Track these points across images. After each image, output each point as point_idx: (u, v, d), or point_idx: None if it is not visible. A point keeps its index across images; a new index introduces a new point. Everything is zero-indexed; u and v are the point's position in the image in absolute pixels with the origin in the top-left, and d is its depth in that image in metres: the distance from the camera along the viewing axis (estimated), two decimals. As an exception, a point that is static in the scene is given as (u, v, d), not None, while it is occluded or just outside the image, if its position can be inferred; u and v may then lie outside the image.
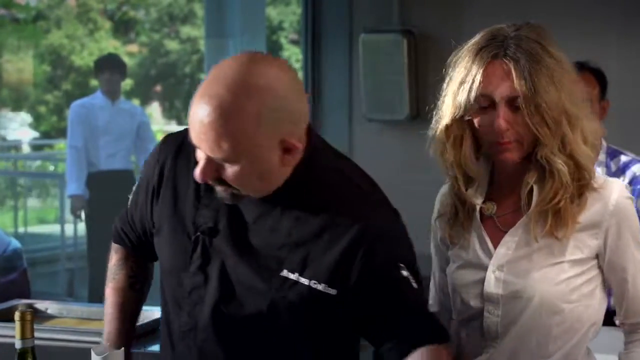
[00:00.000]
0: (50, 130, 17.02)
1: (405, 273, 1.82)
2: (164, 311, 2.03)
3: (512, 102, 1.91)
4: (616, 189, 1.97)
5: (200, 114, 1.75)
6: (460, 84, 1.96)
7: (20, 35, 17.22)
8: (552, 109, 1.89)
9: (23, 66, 17.56)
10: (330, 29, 5.54)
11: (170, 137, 2.04)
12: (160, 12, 18.95)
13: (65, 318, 2.94)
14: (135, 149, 6.53)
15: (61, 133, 14.37)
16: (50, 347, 2.48)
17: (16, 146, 17.38)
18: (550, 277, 1.94)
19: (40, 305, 2.98)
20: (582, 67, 3.27)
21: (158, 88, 19.62)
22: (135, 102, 14.85)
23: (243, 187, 1.82)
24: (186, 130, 1.87)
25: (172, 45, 18.64)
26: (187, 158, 1.93)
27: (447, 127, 1.99)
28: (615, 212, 1.95)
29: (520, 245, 1.98)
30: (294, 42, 19.32)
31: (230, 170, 1.78)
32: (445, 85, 2.03)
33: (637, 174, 3.21)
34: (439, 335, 1.85)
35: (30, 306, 2.94)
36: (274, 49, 18.13)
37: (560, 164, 1.92)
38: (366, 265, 1.81)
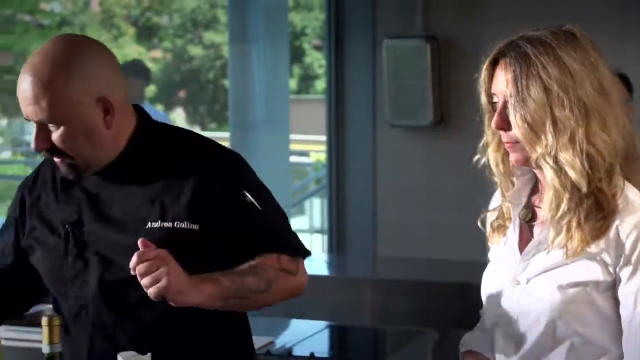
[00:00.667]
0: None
1: (248, 199, 2.08)
2: (54, 309, 2.22)
3: (507, 102, 1.91)
4: (638, 210, 1.88)
5: (21, 83, 2.01)
6: (481, 84, 1.98)
7: (44, 41, 17.31)
8: (535, 111, 1.86)
9: (48, 72, 17.64)
10: (354, 35, 5.54)
11: (25, 179, 2.28)
12: (183, 18, 19.01)
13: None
14: (159, 154, 6.56)
15: (86, 139, 14.37)
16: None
17: (41, 152, 17.46)
18: (563, 297, 1.89)
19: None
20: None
21: (182, 94, 19.68)
22: (159, 107, 14.89)
23: (74, 152, 2.04)
24: (38, 167, 2.25)
25: (195, 50, 18.69)
26: (43, 179, 2.21)
27: (486, 128, 2.00)
28: (632, 232, 1.86)
29: (540, 259, 1.93)
30: (317, 48, 19.32)
31: (58, 133, 2.01)
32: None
33: None
34: (280, 245, 2.11)
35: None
36: (297, 54, 18.15)
37: (549, 169, 1.88)
38: (215, 198, 2.06)
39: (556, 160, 1.87)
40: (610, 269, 1.88)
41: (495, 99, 1.93)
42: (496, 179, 2.03)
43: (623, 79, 3.36)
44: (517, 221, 2.00)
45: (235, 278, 2.00)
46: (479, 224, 2.08)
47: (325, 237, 6.31)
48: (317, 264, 5.63)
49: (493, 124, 1.92)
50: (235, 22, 6.23)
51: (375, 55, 5.38)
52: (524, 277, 1.94)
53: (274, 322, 3.64)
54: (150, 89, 14.21)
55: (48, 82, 1.99)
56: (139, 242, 1.92)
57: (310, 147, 12.21)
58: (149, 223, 2.07)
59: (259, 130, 6.08)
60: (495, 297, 2.00)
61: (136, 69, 6.72)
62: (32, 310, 2.95)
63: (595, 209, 1.88)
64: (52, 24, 18.07)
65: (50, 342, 1.82)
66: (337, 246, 5.68)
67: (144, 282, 1.88)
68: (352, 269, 5.35)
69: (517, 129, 1.88)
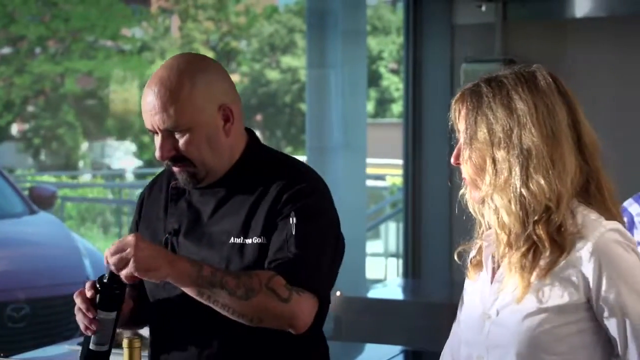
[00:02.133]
0: (153, 158, 17.33)
1: (291, 221, 2.11)
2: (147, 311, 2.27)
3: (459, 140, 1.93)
4: (598, 229, 1.84)
5: (147, 96, 2.11)
6: None
7: (126, 66, 17.66)
8: (479, 151, 1.86)
9: (128, 96, 18.00)
10: (432, 58, 5.54)
11: (148, 183, 2.38)
12: (261, 43, 19.21)
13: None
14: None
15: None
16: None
17: (120, 174, 17.77)
18: (531, 326, 1.84)
19: (145, 331, 3.02)
20: None
21: (259, 117, 19.85)
22: (237, 131, 15.04)
23: (197, 158, 2.12)
24: (159, 173, 2.35)
25: (273, 75, 18.87)
26: (159, 188, 2.30)
27: None
28: (595, 252, 1.82)
29: (508, 292, 1.89)
30: (393, 71, 19.35)
31: (183, 139, 2.10)
32: None
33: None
34: (291, 275, 2.06)
35: (136, 333, 2.98)
36: (374, 78, 18.20)
37: (488, 210, 1.88)
38: (278, 216, 2.12)
39: (493, 201, 1.87)
40: (578, 292, 1.84)
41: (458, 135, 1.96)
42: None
43: None
44: (490, 259, 1.98)
45: (217, 272, 2.03)
46: (455, 256, 2.06)
47: (401, 262, 6.29)
48: (391, 288, 5.62)
49: (452, 159, 1.94)
50: (313, 47, 6.27)
51: (453, 78, 5.37)
52: (494, 310, 1.92)
53: (349, 346, 3.64)
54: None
55: (175, 89, 2.09)
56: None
57: (386, 171, 12.21)
58: (232, 239, 2.14)
59: (335, 154, 6.10)
60: (468, 332, 1.98)
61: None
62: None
63: (535, 252, 1.85)
64: (133, 49, 18.42)
65: (130, 363, 1.84)
66: (412, 270, 5.66)
67: (112, 262, 1.95)
68: (427, 294, 5.32)
69: (464, 167, 1.91)
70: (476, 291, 1.99)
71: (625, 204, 3.36)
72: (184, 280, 2.00)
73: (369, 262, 7.36)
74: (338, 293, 4.47)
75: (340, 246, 2.23)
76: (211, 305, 2.03)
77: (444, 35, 5.45)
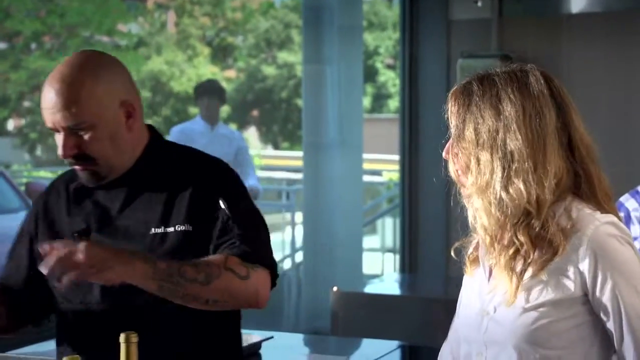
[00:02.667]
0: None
1: (220, 206, 2.18)
2: (60, 318, 2.29)
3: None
4: (593, 223, 1.85)
5: (48, 93, 2.11)
6: None
7: (122, 62, 17.62)
8: (466, 150, 1.88)
9: (124, 92, 17.94)
10: (428, 54, 5.54)
11: (40, 193, 2.39)
12: (257, 38, 19.19)
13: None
14: (233, 173, 6.58)
15: (161, 157, 14.59)
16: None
17: (117, 170, 17.75)
18: (528, 321, 1.85)
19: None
20: None
21: (255, 113, 19.84)
22: (233, 126, 15.03)
23: (100, 155, 2.14)
24: (51, 183, 2.36)
25: (269, 70, 18.85)
26: (57, 195, 2.31)
27: None
28: (590, 245, 1.83)
29: (502, 291, 1.90)
30: (389, 67, 19.35)
31: (86, 136, 2.11)
32: None
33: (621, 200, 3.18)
34: (245, 253, 2.14)
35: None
36: (370, 73, 18.19)
37: (470, 210, 1.90)
38: (200, 203, 2.19)
39: (473, 203, 1.88)
40: (574, 286, 1.84)
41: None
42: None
43: None
44: (486, 256, 1.97)
45: (172, 264, 2.05)
46: (452, 253, 2.06)
47: (397, 257, 6.29)
48: (388, 283, 5.62)
49: (443, 152, 1.96)
50: (309, 42, 6.27)
51: (450, 74, 5.38)
52: (492, 307, 1.92)
53: (346, 342, 3.64)
54: (224, 109, 14.37)
55: (77, 86, 2.10)
56: (44, 247, 1.99)
57: (383, 167, 12.21)
58: (153, 229, 2.18)
59: (332, 150, 6.10)
60: (466, 329, 1.98)
61: (211, 89, 6.78)
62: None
63: (523, 254, 1.85)
64: (129, 44, 18.39)
65: None
66: (409, 266, 5.66)
67: (58, 268, 1.94)
68: (424, 289, 5.33)
69: (450, 164, 1.94)
70: (474, 288, 2.00)
71: (622, 199, 3.37)
72: (142, 277, 2.01)
73: (366, 257, 7.36)
74: (335, 288, 4.47)
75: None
76: (173, 299, 2.06)
77: (440, 31, 5.45)
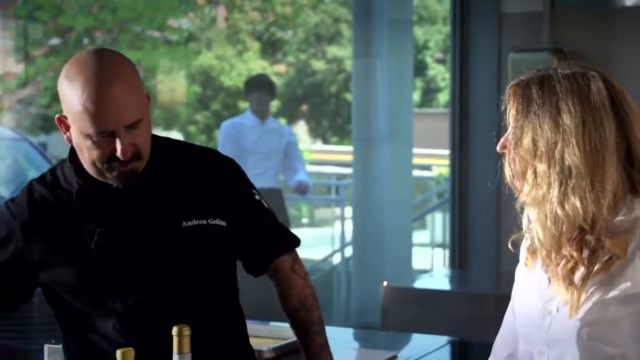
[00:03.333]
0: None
1: (257, 197, 2.30)
2: (73, 333, 2.24)
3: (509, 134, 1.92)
4: None
5: (102, 97, 2.04)
6: None
7: (172, 57, 17.74)
8: (522, 157, 1.85)
9: (175, 87, 18.08)
10: (479, 48, 5.50)
11: (14, 206, 2.23)
12: (307, 33, 19.21)
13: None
14: (283, 167, 6.61)
15: (211, 152, 14.65)
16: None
17: (167, 164, 17.88)
18: (593, 319, 1.83)
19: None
20: None
21: (304, 107, 19.86)
22: (282, 121, 15.07)
23: (145, 150, 2.14)
24: (24, 193, 2.22)
25: (318, 65, 18.86)
26: (44, 204, 2.19)
27: None
28: None
29: (561, 300, 1.87)
30: (439, 61, 19.26)
31: (140, 129, 2.11)
32: None
33: None
34: (289, 244, 2.33)
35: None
36: (420, 67, 18.12)
37: (525, 218, 1.87)
38: (234, 197, 2.25)
39: (529, 213, 1.86)
40: (636, 282, 1.81)
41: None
42: None
43: None
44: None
45: (323, 348, 2.29)
46: (509, 245, 2.03)
47: (447, 252, 6.27)
48: (438, 278, 5.60)
49: (497, 147, 1.94)
50: (359, 37, 6.27)
51: (501, 68, 5.34)
52: (554, 306, 1.89)
53: (396, 337, 3.64)
54: (273, 103, 14.41)
55: (125, 84, 2.08)
56: None
57: (432, 161, 12.16)
58: (184, 222, 2.17)
59: (381, 144, 6.09)
60: (526, 327, 1.96)
61: (262, 83, 6.80)
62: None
63: (576, 268, 1.83)
64: (179, 39, 18.52)
65: (180, 352, 1.85)
66: (459, 261, 5.64)
67: None
68: (474, 284, 5.30)
69: (506, 166, 1.90)
70: (532, 284, 1.97)
71: None
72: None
73: (416, 252, 7.34)
74: (385, 283, 4.47)
75: None
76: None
77: (491, 24, 5.41)
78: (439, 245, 8.73)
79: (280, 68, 19.74)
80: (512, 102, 1.91)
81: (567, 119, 1.82)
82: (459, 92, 5.53)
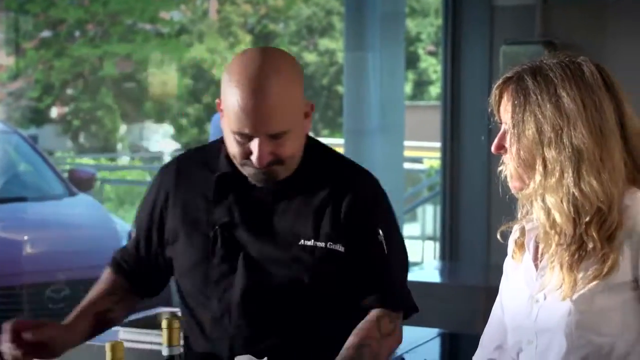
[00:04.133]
0: (191, 142, 17.43)
1: (380, 238, 2.12)
2: (185, 307, 2.22)
3: (506, 131, 1.90)
4: None
5: (247, 99, 1.98)
6: None
7: (164, 49, 17.71)
8: (527, 148, 1.85)
9: (166, 79, 18.05)
10: (470, 40, 5.50)
11: (166, 168, 2.29)
12: (299, 25, 19.19)
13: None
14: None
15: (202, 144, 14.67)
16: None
17: (159, 157, 17.86)
18: (581, 308, 1.83)
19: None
20: None
21: (296, 100, 19.80)
22: (274, 114, 15.04)
23: (292, 158, 2.06)
24: (179, 157, 2.28)
25: (310, 57, 18.84)
26: (187, 175, 2.21)
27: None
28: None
29: (554, 286, 1.87)
30: (431, 53, 19.25)
31: (286, 140, 2.02)
32: None
33: None
34: (394, 303, 2.13)
35: (174, 313, 3.00)
36: (412, 60, 18.12)
37: (538, 208, 1.86)
38: (357, 226, 2.10)
39: (544, 201, 1.84)
40: (625, 269, 1.82)
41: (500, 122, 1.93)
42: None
43: None
44: (533, 243, 1.96)
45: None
46: (498, 235, 2.04)
47: (438, 245, 6.28)
48: (429, 271, 5.60)
49: (492, 148, 1.92)
50: (351, 29, 6.26)
51: (492, 61, 5.34)
52: (542, 294, 1.90)
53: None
54: (266, 96, 14.37)
55: (281, 94, 2.01)
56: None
57: (424, 154, 12.18)
58: (302, 240, 2.10)
59: (373, 137, 6.09)
60: (515, 317, 1.96)
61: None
62: (151, 313, 3.02)
63: (585, 253, 1.83)
64: (171, 32, 18.48)
65: (170, 344, 1.85)
66: (449, 253, 5.64)
67: None
68: (465, 277, 5.31)
69: (511, 161, 1.89)
70: (520, 274, 1.98)
71: None
72: None
73: (407, 244, 7.34)
74: (375, 276, 4.46)
75: None
76: None
77: (483, 17, 5.41)
78: (430, 238, 8.75)
79: (272, 61, 19.61)
80: (506, 99, 1.91)
81: (568, 103, 1.83)
82: (450, 85, 5.53)
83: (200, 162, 2.23)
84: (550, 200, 1.84)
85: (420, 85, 19.76)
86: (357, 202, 2.11)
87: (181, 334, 1.88)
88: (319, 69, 19.10)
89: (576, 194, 1.82)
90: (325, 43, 18.95)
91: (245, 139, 2.03)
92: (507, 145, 1.90)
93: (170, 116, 19.06)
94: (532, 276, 1.94)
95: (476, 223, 5.43)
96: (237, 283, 2.10)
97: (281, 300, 2.10)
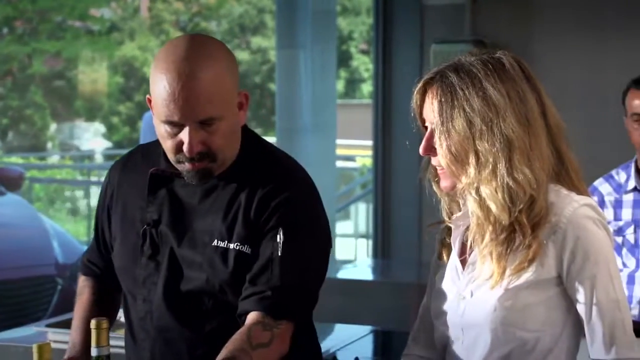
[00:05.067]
0: (123, 140, 17.26)
1: (278, 239, 1.98)
2: (123, 310, 2.19)
3: (434, 131, 1.91)
4: (571, 204, 1.87)
5: (172, 86, 1.91)
6: None
7: (94, 47, 17.52)
8: (459, 143, 1.86)
9: (97, 77, 17.86)
10: (401, 39, 5.53)
11: (116, 163, 2.24)
12: (231, 23, 19.12)
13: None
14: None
15: (133, 143, 14.58)
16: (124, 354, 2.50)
17: (89, 156, 17.67)
18: (506, 304, 1.86)
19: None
20: (638, 84, 3.23)
21: (228, 98, 19.74)
22: (206, 112, 14.97)
23: (223, 151, 1.98)
24: (129, 152, 2.21)
25: (242, 55, 18.79)
26: (134, 171, 2.16)
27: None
28: (568, 225, 1.84)
29: (484, 277, 1.91)
30: (363, 52, 19.33)
31: (216, 129, 1.94)
32: None
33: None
34: (272, 309, 1.96)
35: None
36: (344, 58, 18.17)
37: (472, 201, 1.88)
38: (264, 226, 2.00)
39: (478, 193, 1.87)
40: (549, 267, 1.86)
41: (426, 124, 1.95)
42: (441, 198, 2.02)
43: None
44: (459, 240, 1.99)
45: None
46: (426, 237, 2.08)
47: (370, 242, 6.31)
48: (361, 268, 5.63)
49: (420, 150, 1.93)
50: (283, 27, 6.25)
51: (423, 59, 5.38)
52: (469, 291, 1.93)
53: (319, 327, 3.64)
54: (198, 94, 14.29)
55: (209, 78, 1.92)
56: None
57: (356, 152, 12.22)
58: (216, 241, 2.03)
59: (305, 135, 6.09)
60: (443, 314, 1.99)
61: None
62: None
63: (515, 240, 1.86)
64: (101, 29, 18.27)
65: (98, 345, 1.83)
66: (382, 251, 5.67)
67: None
68: (397, 274, 5.34)
69: (443, 159, 1.90)
70: (447, 273, 2.00)
71: (596, 183, 3.38)
72: None
73: (339, 242, 7.37)
74: (308, 274, 4.47)
75: (328, 254, 2.11)
76: None
77: (413, 16, 5.45)
78: (363, 236, 8.78)
79: (204, 59, 19.52)
80: (430, 99, 1.92)
81: (495, 96, 1.86)
82: (381, 83, 5.56)
83: (144, 158, 2.17)
84: (485, 191, 1.86)
85: (353, 84, 19.83)
86: (265, 202, 2.00)
87: (109, 335, 1.86)
88: (251, 67, 19.04)
89: (510, 183, 1.84)
90: (257, 41, 18.91)
91: (175, 128, 1.95)
92: (436, 145, 1.91)
93: (101, 114, 18.86)
94: (458, 273, 1.97)
95: (408, 221, 5.47)
96: (159, 284, 2.06)
97: (197, 302, 2.03)
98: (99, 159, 17.37)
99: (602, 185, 3.36)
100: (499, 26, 5.27)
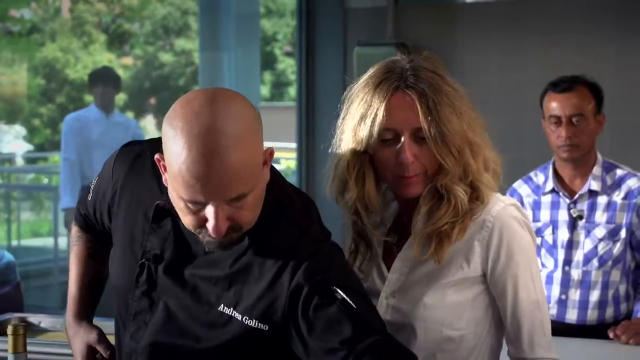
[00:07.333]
0: (44, 143, 17.00)
1: (340, 295, 1.71)
2: (115, 324, 1.99)
3: (416, 134, 1.88)
4: (498, 203, 1.91)
5: (206, 169, 1.62)
6: (360, 118, 1.93)
7: (14, 48, 17.22)
8: (456, 138, 1.87)
9: (17, 79, 17.56)
10: (325, 42, 5.55)
11: (120, 157, 1.99)
12: (154, 25, 18.97)
13: (58, 332, 2.93)
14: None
15: (55, 146, 14.36)
16: (43, 361, 2.47)
17: (10, 159, 17.36)
18: (433, 302, 1.89)
19: (34, 318, 2.97)
20: (577, 81, 3.27)
21: (152, 101, 19.62)
22: (130, 114, 14.85)
23: (249, 222, 1.73)
24: (137, 155, 1.92)
25: (166, 57, 18.66)
26: (139, 178, 1.91)
27: (348, 165, 1.97)
28: (495, 223, 1.88)
29: (413, 270, 1.93)
30: (288, 54, 19.35)
31: (245, 202, 1.68)
32: (340, 121, 2.02)
33: (632, 187, 3.21)
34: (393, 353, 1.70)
35: (24, 320, 2.92)
36: (268, 60, 18.16)
37: (461, 192, 1.88)
38: (294, 300, 1.73)
39: (472, 182, 1.91)
40: (474, 265, 1.89)
41: (389, 135, 1.90)
42: (347, 214, 2.06)
43: (592, 87, 3.30)
44: (382, 243, 2.01)
45: None
46: (347, 238, 2.11)
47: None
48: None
49: (406, 159, 1.88)
50: (206, 29, 6.22)
51: (346, 62, 5.40)
52: (390, 290, 1.96)
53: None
54: (120, 97, 14.16)
55: (242, 147, 1.64)
56: None
57: (281, 155, 12.21)
58: (222, 306, 1.78)
59: (229, 137, 6.07)
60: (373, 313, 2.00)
61: (106, 76, 6.66)
62: (1, 318, 2.93)
63: (452, 225, 1.91)
64: (22, 30, 17.99)
65: (15, 351, 1.79)
66: (307, 253, 5.67)
67: None
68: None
69: (442, 158, 1.88)
70: (373, 274, 2.01)
71: (515, 185, 3.43)
72: None
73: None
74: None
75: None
76: None
77: (336, 19, 5.47)
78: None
79: (128, 61, 19.42)
80: (404, 107, 1.88)
81: (459, 89, 1.93)
82: (305, 86, 5.57)
83: (153, 168, 1.85)
84: (481, 178, 1.92)
85: (279, 86, 19.84)
86: (293, 275, 1.74)
87: (26, 341, 1.82)
88: (175, 70, 18.93)
89: (492, 165, 1.95)
90: (181, 43, 18.79)
91: (198, 206, 1.68)
92: (430, 145, 1.88)
93: (22, 117, 18.56)
94: (383, 275, 1.97)
95: (332, 222, 5.46)
96: (150, 326, 1.86)
97: (188, 357, 1.81)
98: (19, 161, 17.09)
99: (521, 187, 3.40)
100: (421, 29, 5.32)
